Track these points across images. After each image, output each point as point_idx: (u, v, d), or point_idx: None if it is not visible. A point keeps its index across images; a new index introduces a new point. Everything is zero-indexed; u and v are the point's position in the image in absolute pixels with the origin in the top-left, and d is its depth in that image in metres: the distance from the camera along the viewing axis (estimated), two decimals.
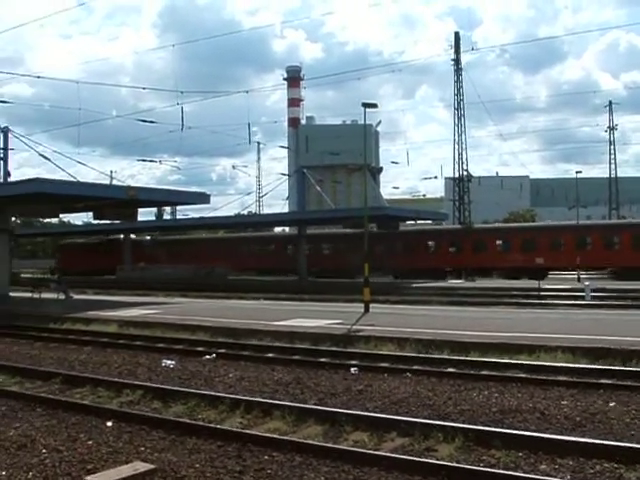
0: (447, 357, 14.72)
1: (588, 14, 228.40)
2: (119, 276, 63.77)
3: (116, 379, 13.07)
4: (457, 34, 67.99)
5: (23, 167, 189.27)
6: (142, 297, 37.37)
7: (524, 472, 7.29)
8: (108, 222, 53.54)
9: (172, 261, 64.77)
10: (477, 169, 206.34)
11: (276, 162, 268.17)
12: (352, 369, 13.87)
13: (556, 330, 16.94)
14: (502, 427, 8.98)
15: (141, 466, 7.41)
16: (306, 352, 16.27)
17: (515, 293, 35.80)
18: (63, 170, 64.26)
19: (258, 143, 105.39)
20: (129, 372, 14.34)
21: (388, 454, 7.90)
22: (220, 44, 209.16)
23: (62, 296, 33.91)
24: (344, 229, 62.25)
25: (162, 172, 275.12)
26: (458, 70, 66.27)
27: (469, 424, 9.06)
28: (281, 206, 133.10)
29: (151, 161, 62.14)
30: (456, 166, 66.25)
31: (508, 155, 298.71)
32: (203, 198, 40.86)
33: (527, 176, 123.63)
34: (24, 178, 40.72)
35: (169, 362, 15.13)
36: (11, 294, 36.50)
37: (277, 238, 69.28)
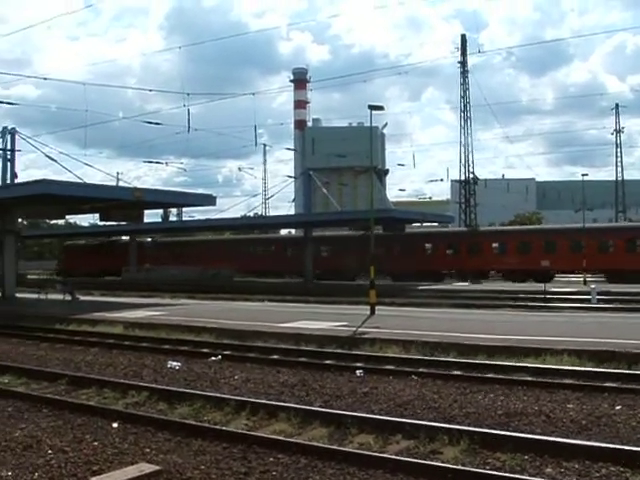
0: (453, 360, 14.70)
1: (594, 16, 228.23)
2: (124, 277, 63.87)
3: (122, 380, 13.09)
4: (464, 36, 68.11)
5: (30, 168, 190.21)
6: (148, 298, 37.41)
7: (530, 475, 7.27)
8: (114, 223, 53.62)
9: (173, 262, 64.88)
10: (483, 172, 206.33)
11: (282, 164, 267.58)
12: (357, 371, 13.86)
13: (562, 333, 16.92)
14: (508, 430, 8.97)
15: (147, 467, 7.42)
16: (312, 354, 16.26)
17: (521, 296, 35.73)
18: (70, 171, 64.55)
19: (264, 145, 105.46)
20: (135, 373, 14.36)
21: (393, 456, 7.90)
22: (226, 46, 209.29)
23: (68, 297, 33.98)
24: (342, 232, 62.37)
25: (168, 174, 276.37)
26: (464, 72, 66.35)
27: (475, 427, 9.05)
28: (287, 208, 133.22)
29: (157, 163, 62.42)
30: (462, 169, 66.33)
31: (514, 158, 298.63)
32: (209, 200, 40.92)
33: (533, 179, 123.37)
34: (31, 179, 40.93)
35: (175, 364, 15.14)
36: (17, 295, 36.62)
37: (277, 240, 69.21)
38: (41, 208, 39.88)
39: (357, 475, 7.45)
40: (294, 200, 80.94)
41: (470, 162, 66.06)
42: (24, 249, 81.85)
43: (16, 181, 46.11)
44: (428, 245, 56.70)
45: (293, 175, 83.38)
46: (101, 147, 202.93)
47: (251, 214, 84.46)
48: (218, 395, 11.38)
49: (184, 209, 79.75)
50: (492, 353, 15.03)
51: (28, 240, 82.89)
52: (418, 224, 65.47)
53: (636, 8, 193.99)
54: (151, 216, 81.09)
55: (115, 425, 9.65)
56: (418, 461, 7.71)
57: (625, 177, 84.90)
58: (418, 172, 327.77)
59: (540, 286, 37.79)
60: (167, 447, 8.58)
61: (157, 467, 7.48)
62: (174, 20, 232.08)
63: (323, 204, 75.21)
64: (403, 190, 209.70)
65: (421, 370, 13.75)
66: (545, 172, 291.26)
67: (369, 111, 25.33)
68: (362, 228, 50.81)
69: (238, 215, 76.10)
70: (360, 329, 18.93)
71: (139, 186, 45.29)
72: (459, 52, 66.81)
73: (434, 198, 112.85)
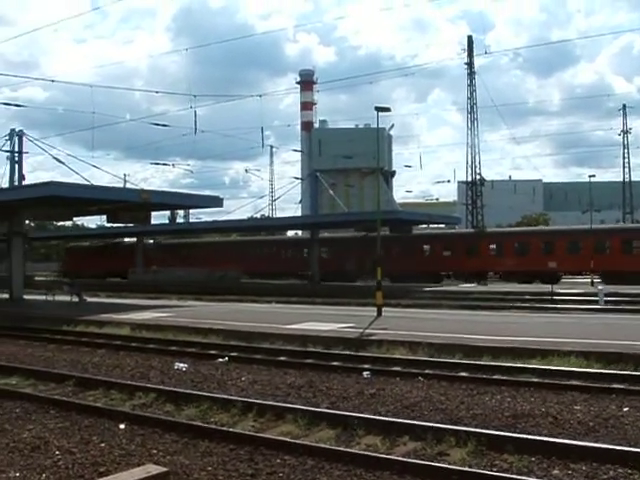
0: (459, 361, 14.68)
1: (601, 17, 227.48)
2: (131, 279, 63.99)
3: (129, 382, 13.11)
4: (470, 37, 68.24)
5: (37, 170, 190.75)
6: (154, 300, 37.47)
7: (537, 477, 7.26)
8: (122, 225, 53.74)
9: (175, 264, 64.99)
10: (490, 173, 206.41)
11: (289, 166, 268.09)
12: (364, 373, 13.85)
13: (569, 334, 16.89)
14: (515, 432, 8.96)
15: (153, 469, 7.41)
16: (318, 356, 16.26)
17: (528, 297, 35.70)
18: (77, 173, 64.69)
19: (271, 147, 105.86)
20: (142, 375, 14.38)
21: (400, 458, 7.89)
22: (233, 48, 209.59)
23: (75, 299, 34.04)
24: (341, 233, 62.40)
25: (175, 175, 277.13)
26: (471, 74, 66.41)
27: (481, 428, 9.03)
28: (294, 209, 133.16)
29: (164, 164, 62.81)
30: (469, 170, 66.34)
31: (521, 159, 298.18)
32: (216, 201, 40.98)
33: (540, 180, 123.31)
34: (38, 181, 41.03)
35: (182, 365, 15.16)
36: (25, 297, 36.72)
37: (279, 242, 69.27)
38: (48, 210, 39.99)
39: (364, 477, 7.45)
40: (301, 201, 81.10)
41: (477, 163, 66.13)
42: (31, 251, 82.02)
43: (24, 183, 46.27)
44: (426, 247, 56.74)
45: (300, 176, 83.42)
46: (108, 149, 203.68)
47: (258, 216, 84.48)
48: (225, 397, 11.39)
49: (191, 211, 79.94)
50: (498, 354, 15.01)
51: (35, 242, 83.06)
52: (425, 225, 65.53)
53: None
54: (158, 218, 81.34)
55: (122, 426, 9.66)
56: (425, 463, 7.70)
57: (632, 178, 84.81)
58: (425, 173, 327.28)
59: (547, 287, 37.71)
60: (174, 448, 8.60)
61: (164, 468, 7.47)
62: (181, 22, 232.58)
63: (330, 205, 75.33)
64: (410, 191, 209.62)
65: (428, 371, 13.75)
66: (552, 173, 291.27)
67: (376, 112, 25.32)
68: (366, 229, 50.84)
69: (245, 217, 76.11)
70: (367, 330, 18.93)
71: (146, 188, 45.36)
72: (465, 53, 66.97)
73: (441, 199, 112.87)
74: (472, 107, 66.09)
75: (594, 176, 53.82)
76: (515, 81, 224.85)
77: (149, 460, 7.99)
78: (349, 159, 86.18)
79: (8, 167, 47.88)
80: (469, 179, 66.77)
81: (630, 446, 8.09)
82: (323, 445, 8.53)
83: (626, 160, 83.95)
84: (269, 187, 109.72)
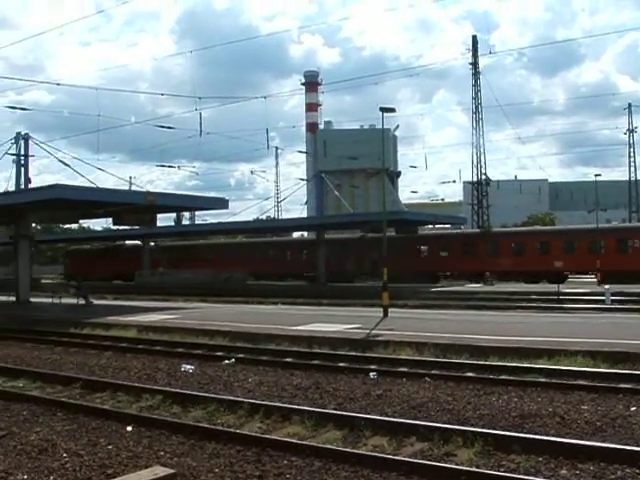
0: (466, 362, 14.67)
1: (606, 16, 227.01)
2: (138, 281, 64.11)
3: (136, 384, 13.13)
4: (475, 37, 68.15)
5: (43, 173, 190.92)
6: (161, 302, 37.53)
7: (544, 477, 7.25)
8: (127, 228, 53.85)
9: (178, 266, 65.08)
10: (495, 173, 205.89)
11: (294, 167, 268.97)
12: (371, 374, 13.84)
13: (576, 334, 16.87)
14: (522, 432, 8.95)
15: (161, 471, 7.44)
16: (325, 357, 16.26)
17: (534, 297, 35.65)
18: (83, 176, 64.61)
19: (276, 148, 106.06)
20: (148, 377, 14.40)
21: (407, 459, 7.88)
22: (238, 50, 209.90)
23: (82, 301, 34.10)
24: (340, 234, 62.48)
25: (181, 177, 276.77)
26: (476, 74, 66.27)
27: (489, 429, 9.02)
28: (300, 211, 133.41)
29: (170, 167, 62.58)
30: (474, 170, 66.20)
31: (526, 159, 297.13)
32: (221, 203, 41.03)
33: (546, 179, 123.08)
34: (44, 184, 41.11)
35: (188, 367, 15.18)
36: (32, 299, 36.80)
37: (282, 243, 69.32)
38: (54, 213, 40.07)
39: (371, 478, 7.44)
40: (306, 202, 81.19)
41: (482, 163, 65.98)
42: (38, 254, 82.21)
43: (30, 186, 46.44)
44: (424, 247, 56.75)
45: (305, 178, 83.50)
46: (114, 151, 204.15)
47: (264, 217, 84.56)
48: (232, 398, 11.40)
49: (197, 213, 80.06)
50: (505, 355, 15.00)
51: (42, 245, 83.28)
52: (431, 226, 65.51)
53: None
54: (164, 220, 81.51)
55: (129, 428, 9.67)
56: (432, 463, 7.70)
57: (639, 177, 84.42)
58: (430, 174, 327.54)
59: (553, 287, 37.67)
60: (181, 450, 8.60)
61: (171, 470, 7.50)
62: (185, 24, 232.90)
63: (335, 206, 75.42)
64: (415, 192, 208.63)
65: (434, 372, 13.73)
66: (558, 173, 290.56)
67: (380, 113, 25.33)
68: (372, 230, 50.83)
69: (250, 218, 76.21)
70: (373, 331, 18.93)
71: (152, 190, 45.36)
72: (470, 53, 66.86)
73: (446, 200, 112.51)
74: (477, 107, 66.02)
75: (600, 175, 53.98)
76: (520, 81, 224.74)
77: (156, 462, 8.00)
78: (354, 160, 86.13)
79: (14, 170, 48.13)
80: (475, 179, 66.66)
81: (638, 446, 8.06)
82: (330, 446, 8.53)
83: (632, 159, 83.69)
84: (274, 188, 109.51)
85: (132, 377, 14.43)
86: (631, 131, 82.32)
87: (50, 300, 35.51)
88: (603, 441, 8.39)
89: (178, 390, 12.32)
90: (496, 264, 51.50)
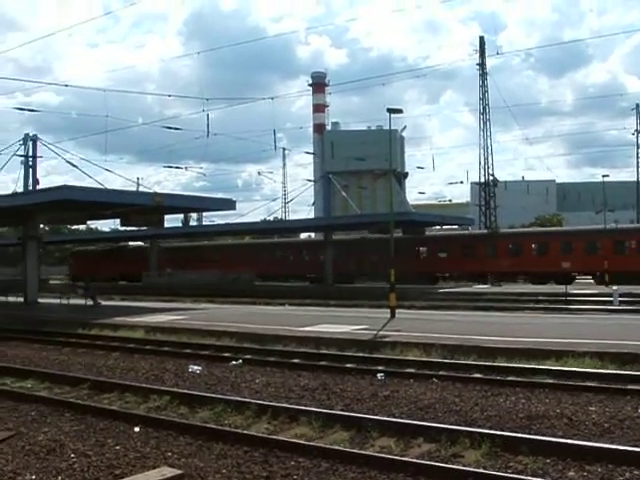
0: (473, 363, 14.65)
1: (613, 17, 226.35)
2: (145, 282, 64.23)
3: (143, 385, 13.16)
4: (482, 38, 67.92)
5: (51, 175, 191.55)
6: (168, 303, 37.60)
7: (552, 479, 7.25)
8: (135, 229, 53.95)
9: (182, 267, 65.18)
10: (503, 174, 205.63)
11: (302, 168, 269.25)
12: (378, 375, 13.84)
13: (583, 335, 16.83)
14: (529, 433, 8.93)
15: (168, 471, 7.46)
16: (332, 358, 16.25)
17: (541, 298, 35.58)
18: (90, 177, 65.06)
19: (283, 149, 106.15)
20: (156, 378, 14.43)
21: (415, 460, 7.88)
22: (245, 51, 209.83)
23: (90, 302, 34.19)
24: (340, 236, 62.53)
25: (188, 178, 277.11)
26: (483, 74, 66.10)
27: (496, 430, 9.01)
28: (307, 212, 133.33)
29: (177, 168, 62.50)
30: (482, 171, 66.04)
31: (534, 159, 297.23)
32: (229, 204, 41.05)
33: (553, 180, 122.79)
34: (52, 185, 41.24)
35: (196, 368, 15.20)
36: (40, 300, 36.90)
37: (282, 245, 69.33)
38: (62, 214, 40.17)
39: (378, 478, 7.44)
40: (314, 204, 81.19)
41: (490, 164, 65.83)
42: (46, 255, 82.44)
43: (38, 187, 46.56)
44: (423, 248, 56.73)
45: (312, 179, 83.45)
46: (121, 153, 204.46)
47: (271, 218, 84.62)
48: (239, 399, 11.41)
49: (204, 214, 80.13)
50: (512, 356, 14.97)
51: (50, 246, 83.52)
52: (438, 227, 65.44)
53: None
54: (171, 221, 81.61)
55: (137, 429, 9.69)
56: (439, 464, 7.69)
57: None
58: (438, 175, 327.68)
59: (561, 288, 37.58)
60: (189, 451, 8.62)
61: (179, 471, 7.52)
62: (192, 26, 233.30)
63: (342, 207, 75.39)
64: (423, 193, 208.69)
65: (442, 373, 13.73)
66: (565, 174, 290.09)
67: (388, 114, 25.33)
68: (380, 231, 50.82)
69: (258, 219, 76.26)
70: (381, 332, 18.92)
71: (159, 191, 45.51)
72: (477, 54, 66.63)
73: (454, 201, 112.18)
74: (484, 108, 65.87)
75: (608, 176, 53.74)
76: (527, 81, 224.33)
77: (164, 462, 8.02)
78: (361, 161, 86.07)
79: (22, 171, 48.25)
80: (482, 180, 66.52)
81: None
82: (337, 447, 8.53)
83: None
84: (282, 189, 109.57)
85: (140, 378, 14.46)
86: (639, 132, 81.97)
87: (58, 301, 35.60)
88: (611, 443, 8.36)
89: (185, 391, 12.35)
90: (497, 265, 51.71)
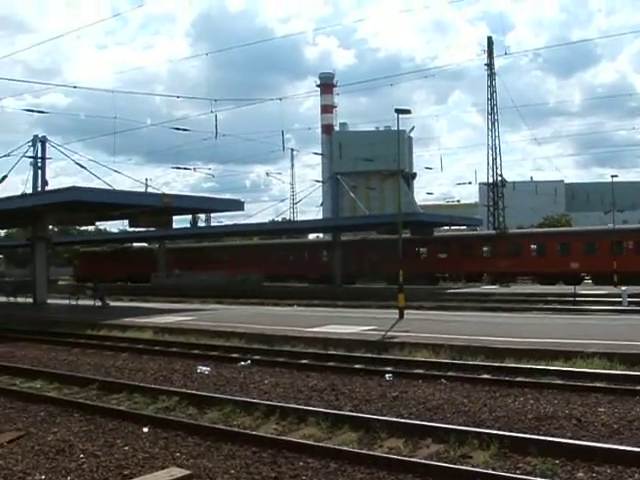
0: (482, 363, 14.61)
1: (622, 16, 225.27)
2: (154, 283, 64.35)
3: (152, 385, 13.18)
4: (490, 39, 67.77)
5: (60, 176, 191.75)
6: (177, 304, 37.66)
7: None
8: (144, 229, 54.06)
9: (186, 268, 65.28)
10: (511, 174, 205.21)
11: (310, 169, 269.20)
12: (387, 375, 13.83)
13: (592, 336, 16.78)
14: (538, 434, 8.91)
15: (177, 472, 7.47)
16: (341, 359, 16.25)
17: (550, 299, 35.48)
18: (99, 178, 65.04)
19: (292, 150, 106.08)
20: (165, 378, 14.45)
21: (423, 461, 7.87)
22: (253, 52, 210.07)
23: (99, 303, 34.28)
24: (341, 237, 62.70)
25: (196, 179, 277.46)
26: (491, 75, 65.96)
27: (505, 431, 9.00)
28: (315, 213, 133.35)
29: (185, 169, 62.26)
30: (490, 171, 65.92)
31: (542, 160, 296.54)
32: (237, 205, 41.05)
33: (562, 181, 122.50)
34: (61, 187, 41.34)
35: (204, 368, 15.22)
36: (49, 301, 37.01)
37: (285, 245, 69.33)
38: (71, 215, 40.20)
39: (387, 479, 7.45)
40: (322, 204, 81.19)
41: (498, 165, 65.71)
42: (55, 256, 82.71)
43: (47, 188, 46.65)
44: (423, 249, 56.70)
45: (321, 179, 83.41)
46: (130, 154, 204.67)
47: (279, 219, 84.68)
48: (247, 400, 11.43)
49: (212, 215, 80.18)
50: (521, 356, 14.93)
51: (58, 247, 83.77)
52: (446, 227, 65.35)
53: None
54: (179, 222, 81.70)
55: (146, 430, 9.72)
56: (448, 465, 7.69)
57: None
58: (446, 175, 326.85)
59: (569, 289, 37.47)
60: (197, 451, 8.63)
61: (188, 471, 7.53)
62: (200, 27, 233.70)
63: (351, 208, 75.34)
64: (431, 193, 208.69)
65: (450, 374, 13.70)
66: (574, 174, 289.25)
67: (396, 115, 25.31)
68: (388, 232, 50.79)
69: (266, 220, 76.37)
70: (389, 333, 18.91)
71: (167, 192, 45.50)
72: (485, 54, 66.49)
73: (462, 201, 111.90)
74: (492, 108, 65.74)
75: (616, 176, 53.49)
76: (535, 82, 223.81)
77: (172, 463, 8.04)
78: (370, 162, 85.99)
79: (31, 173, 48.29)
80: (490, 180, 66.41)
81: None
82: (346, 448, 8.53)
83: None
84: (290, 190, 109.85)
85: (148, 378, 14.49)
86: None
87: (67, 302, 35.70)
88: (620, 444, 8.33)
89: (194, 391, 12.37)
90: (494, 265, 51.95)
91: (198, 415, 10.80)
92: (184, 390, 12.55)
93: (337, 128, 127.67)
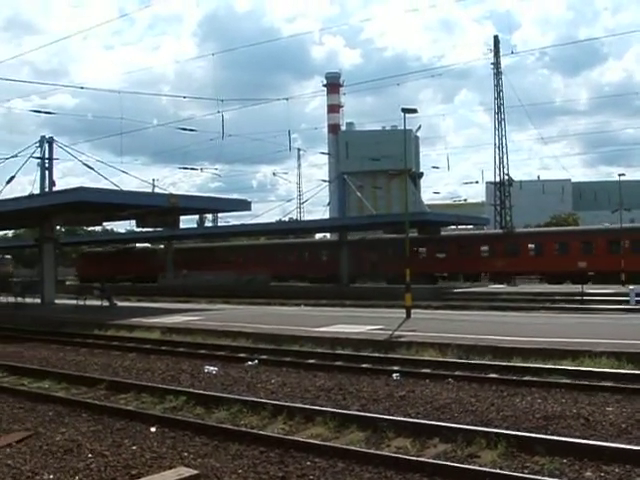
0: (489, 363, 14.60)
1: (628, 15, 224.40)
2: (161, 283, 64.43)
3: (160, 385, 13.20)
4: (496, 37, 67.84)
5: (67, 176, 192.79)
6: (184, 304, 37.70)
7: (569, 479, 7.22)
8: (151, 230, 54.13)
9: (193, 269, 65.36)
10: (518, 173, 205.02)
11: (316, 168, 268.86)
12: (394, 375, 13.82)
13: (600, 335, 16.74)
14: (546, 433, 8.90)
15: (185, 471, 7.48)
16: (348, 358, 16.25)
17: (557, 298, 35.42)
18: (106, 179, 64.74)
19: (298, 150, 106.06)
20: (172, 378, 14.47)
21: (431, 460, 7.87)
22: (259, 52, 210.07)
23: (106, 303, 34.34)
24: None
25: (203, 180, 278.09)
26: (498, 74, 66.03)
27: (512, 430, 8.99)
28: (322, 212, 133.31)
29: (192, 169, 62.33)
30: (497, 170, 65.95)
31: (549, 159, 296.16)
32: (244, 205, 41.06)
33: (569, 180, 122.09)
34: (68, 187, 41.42)
35: (212, 368, 15.23)
36: (56, 301, 37.08)
37: (287, 246, 69.36)
38: (79, 215, 40.31)
39: (394, 479, 7.44)
40: (329, 204, 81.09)
41: (505, 164, 65.75)
42: (62, 256, 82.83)
43: (54, 189, 46.75)
44: (422, 249, 56.61)
45: (327, 179, 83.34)
46: (136, 154, 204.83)
47: (286, 219, 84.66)
48: (255, 399, 11.43)
49: (219, 214, 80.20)
50: (528, 356, 14.90)
51: (66, 247, 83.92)
52: (454, 227, 65.29)
53: None
54: (186, 222, 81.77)
55: (153, 429, 9.73)
56: (455, 465, 7.68)
57: None
58: (452, 174, 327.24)
59: (577, 288, 37.40)
60: (205, 451, 8.64)
61: (195, 471, 7.54)
62: (207, 27, 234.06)
63: (357, 208, 75.21)
64: (438, 193, 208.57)
65: (457, 373, 13.69)
66: (581, 173, 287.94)
67: (402, 114, 25.30)
68: (395, 231, 50.79)
69: (273, 220, 76.33)
70: (396, 332, 18.89)
71: (174, 192, 45.56)
72: (492, 53, 66.64)
73: (469, 200, 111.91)
74: (499, 107, 65.80)
75: (624, 175, 53.39)
76: (542, 80, 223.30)
77: (180, 463, 8.04)
78: (376, 161, 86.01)
79: (39, 173, 48.35)
80: (497, 180, 66.39)
81: None
82: (353, 447, 8.53)
83: None
84: (297, 190, 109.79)
85: (156, 378, 14.51)
86: None
87: (74, 302, 35.76)
88: (628, 443, 8.31)
89: (202, 391, 12.38)
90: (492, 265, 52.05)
91: (205, 415, 10.81)
92: (191, 390, 12.56)
93: (344, 128, 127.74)
